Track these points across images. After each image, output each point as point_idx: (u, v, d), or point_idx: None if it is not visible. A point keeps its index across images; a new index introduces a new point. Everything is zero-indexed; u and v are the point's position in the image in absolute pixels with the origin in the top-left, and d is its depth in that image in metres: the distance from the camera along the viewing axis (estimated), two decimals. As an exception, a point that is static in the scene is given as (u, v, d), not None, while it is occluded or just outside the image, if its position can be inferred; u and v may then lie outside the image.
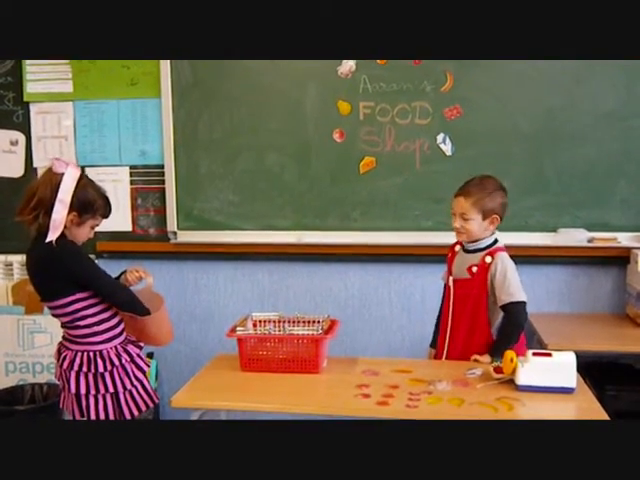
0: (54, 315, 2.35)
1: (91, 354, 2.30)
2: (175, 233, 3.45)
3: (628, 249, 3.09)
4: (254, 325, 2.45)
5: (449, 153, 3.19)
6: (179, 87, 3.36)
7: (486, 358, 2.37)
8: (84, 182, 2.29)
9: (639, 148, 3.08)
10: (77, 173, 2.28)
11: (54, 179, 2.23)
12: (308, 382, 2.27)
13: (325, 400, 2.16)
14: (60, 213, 2.21)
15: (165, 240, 3.47)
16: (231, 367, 2.39)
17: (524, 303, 2.40)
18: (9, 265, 3.61)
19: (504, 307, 2.39)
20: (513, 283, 2.39)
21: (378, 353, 3.33)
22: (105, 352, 2.31)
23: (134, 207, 3.52)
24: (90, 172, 3.52)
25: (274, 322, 2.44)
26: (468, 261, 2.47)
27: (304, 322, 2.43)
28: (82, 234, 2.33)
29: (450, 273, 2.56)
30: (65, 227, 2.25)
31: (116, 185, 3.48)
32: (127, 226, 3.52)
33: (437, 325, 2.68)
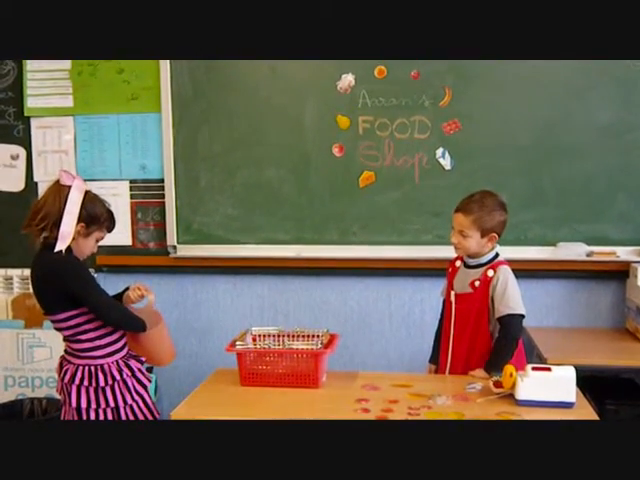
0: (56, 329, 2.35)
1: (92, 368, 2.30)
2: (175, 247, 3.45)
3: (627, 263, 3.09)
4: (253, 339, 2.45)
5: (448, 167, 3.20)
6: (179, 102, 3.38)
7: (480, 372, 2.37)
8: (91, 195, 2.34)
9: (638, 162, 3.09)
10: (84, 186, 2.31)
11: (62, 191, 2.26)
12: (308, 397, 2.26)
13: (324, 415, 2.15)
14: (69, 225, 2.24)
15: (165, 254, 3.47)
16: (230, 382, 2.38)
17: (522, 316, 2.40)
18: (9, 279, 3.61)
19: (501, 319, 2.39)
20: (512, 295, 2.39)
21: (378, 367, 3.32)
22: (106, 366, 2.32)
23: (134, 221, 3.52)
24: (90, 186, 3.52)
25: (273, 336, 2.44)
26: (470, 276, 2.47)
27: (303, 336, 2.43)
28: (88, 246, 2.35)
29: (451, 288, 2.56)
30: (73, 239, 2.27)
31: (116, 199, 3.48)
32: (127, 240, 3.53)
33: (436, 341, 2.68)
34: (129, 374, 2.35)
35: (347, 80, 3.23)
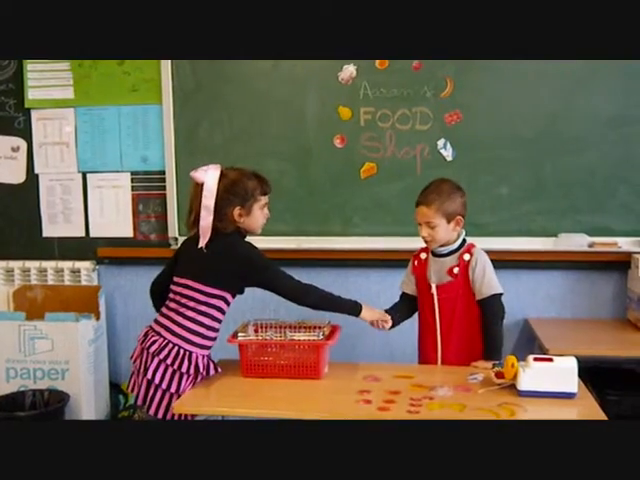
0: (175, 292, 2.34)
1: (182, 351, 2.28)
2: (176, 239, 3.44)
3: (629, 254, 3.09)
4: (255, 331, 2.45)
5: (450, 158, 3.20)
6: (180, 93, 3.37)
7: (483, 363, 2.37)
8: (224, 173, 2.30)
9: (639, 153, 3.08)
10: (216, 173, 2.29)
11: (197, 190, 2.28)
12: (309, 388, 2.26)
13: (326, 406, 2.16)
14: (205, 219, 2.26)
15: (166, 246, 3.46)
16: (232, 373, 2.39)
17: (502, 294, 2.45)
18: (10, 271, 3.61)
19: (484, 300, 2.42)
20: (492, 276, 2.44)
21: (379, 359, 3.32)
22: (194, 356, 2.29)
23: (135, 213, 3.52)
24: (91, 178, 3.55)
25: (275, 328, 2.44)
26: (446, 265, 2.49)
27: (305, 328, 2.43)
28: (257, 220, 2.37)
29: (426, 281, 2.55)
30: (240, 222, 2.31)
31: (117, 191, 3.50)
32: (128, 232, 3.53)
33: (394, 307, 2.64)
34: (205, 375, 2.32)
35: (348, 71, 3.22)
